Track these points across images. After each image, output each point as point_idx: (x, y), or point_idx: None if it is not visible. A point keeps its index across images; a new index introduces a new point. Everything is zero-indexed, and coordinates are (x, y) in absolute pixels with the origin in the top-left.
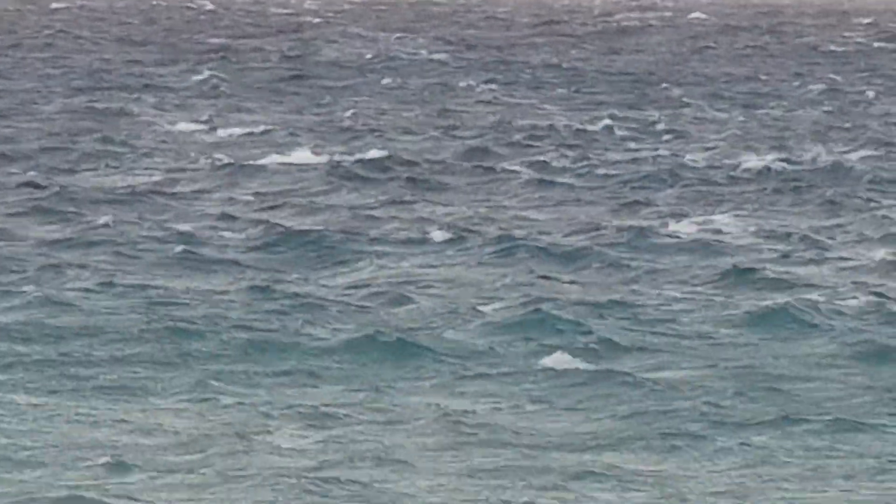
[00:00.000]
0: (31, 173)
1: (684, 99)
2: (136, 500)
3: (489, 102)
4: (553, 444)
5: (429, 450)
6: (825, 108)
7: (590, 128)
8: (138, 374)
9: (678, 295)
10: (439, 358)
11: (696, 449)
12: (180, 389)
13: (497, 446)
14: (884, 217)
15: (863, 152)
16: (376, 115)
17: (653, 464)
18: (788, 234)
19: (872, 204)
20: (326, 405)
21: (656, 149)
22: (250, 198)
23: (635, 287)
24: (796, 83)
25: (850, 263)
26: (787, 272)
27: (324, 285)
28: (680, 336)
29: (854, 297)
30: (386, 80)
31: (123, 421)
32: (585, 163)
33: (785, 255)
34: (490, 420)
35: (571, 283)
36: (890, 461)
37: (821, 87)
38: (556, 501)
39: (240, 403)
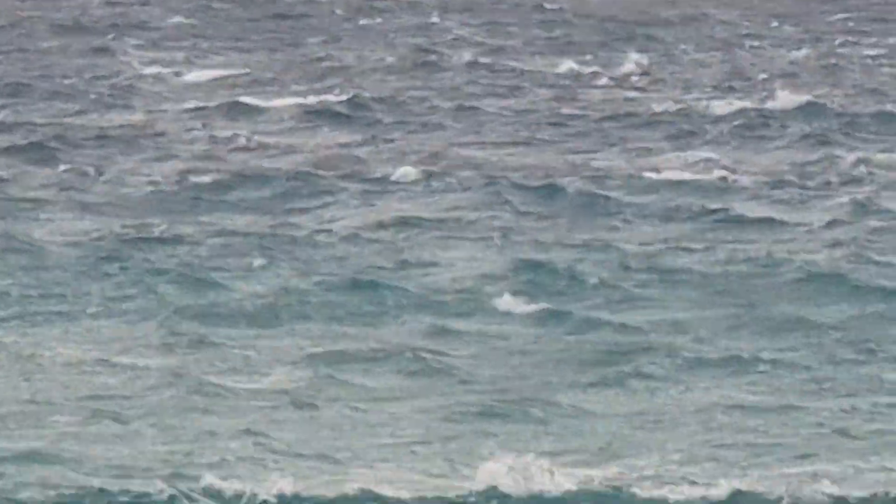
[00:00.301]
0: (4, 112)
1: (666, 40)
2: (109, 443)
3: (469, 43)
4: (526, 385)
5: (404, 391)
6: (804, 50)
7: (569, 69)
8: (109, 315)
9: (655, 234)
10: (416, 298)
11: (670, 388)
12: (153, 330)
13: (473, 388)
14: (859, 158)
15: (840, 93)
16: (354, 54)
17: (625, 405)
18: (765, 174)
19: (848, 144)
20: (301, 346)
21: (635, 90)
22: (227, 138)
23: (612, 226)
24: (775, 24)
25: (826, 203)
26: (763, 211)
27: (299, 225)
28: (656, 275)
29: (829, 237)
30: (364, 21)
31: (95, 361)
32: (564, 104)
33: (762, 195)
34: (465, 362)
35: (547, 221)
36: (864, 404)
37: (800, 28)
38: (526, 443)
39: (214, 344)
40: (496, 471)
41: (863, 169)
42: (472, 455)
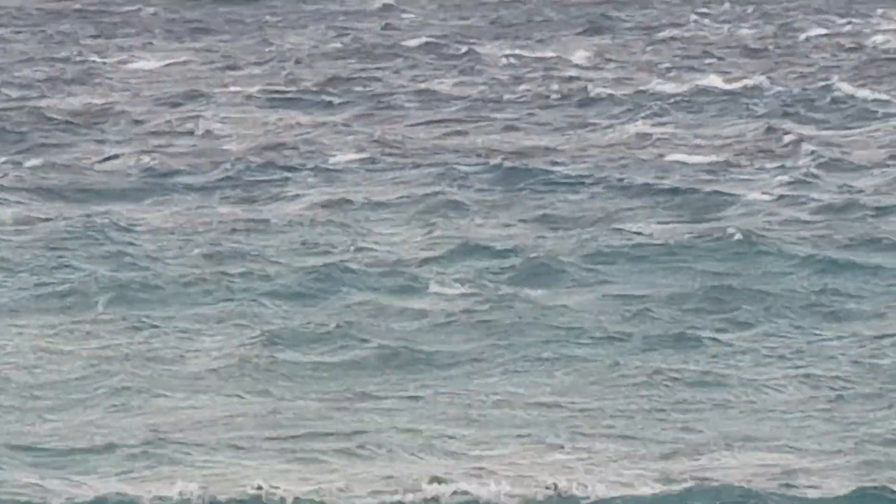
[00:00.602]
0: None
1: (621, 19)
2: (63, 437)
3: (423, 27)
4: (470, 369)
5: (348, 374)
6: (754, 29)
7: (522, 51)
8: (58, 301)
9: (602, 212)
10: (364, 279)
11: (620, 369)
12: (104, 316)
13: (424, 368)
14: (805, 135)
15: (788, 72)
16: (308, 38)
17: (576, 389)
18: (713, 150)
19: (795, 121)
20: (250, 328)
21: (587, 70)
22: (181, 123)
23: (560, 204)
24: (727, 4)
25: (773, 178)
26: (711, 187)
27: (250, 208)
28: (601, 251)
29: (776, 212)
30: (319, 5)
31: (44, 350)
32: (515, 85)
33: (709, 171)
34: (407, 343)
35: (495, 201)
36: (816, 382)
37: (752, 7)
38: (466, 423)
39: (163, 329)
40: (450, 472)
41: (808, 145)
42: (420, 450)
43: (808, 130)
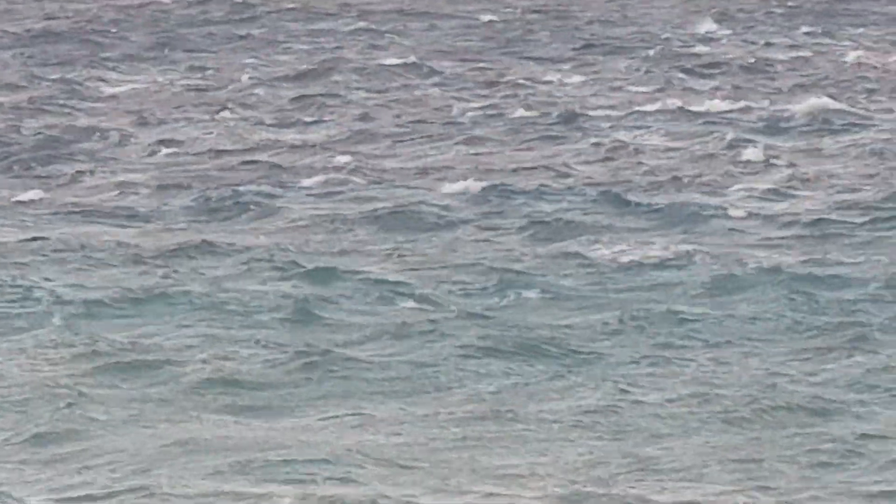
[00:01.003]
0: None
1: (611, 44)
2: (44, 461)
3: (417, 45)
4: (448, 386)
5: (335, 387)
6: (736, 49)
7: (511, 73)
8: (40, 317)
9: (584, 231)
10: (343, 302)
11: (573, 388)
12: (91, 338)
13: (402, 385)
14: (773, 153)
15: (767, 90)
16: (296, 59)
17: (531, 402)
18: (699, 166)
19: (774, 138)
20: (222, 352)
21: (579, 90)
22: (150, 149)
23: (545, 225)
24: (713, 24)
25: (755, 195)
26: (680, 206)
27: (219, 233)
28: (567, 271)
29: (756, 227)
30: (298, 25)
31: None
32: (501, 105)
33: (695, 186)
34: (395, 362)
35: (481, 221)
36: (786, 408)
37: (734, 27)
38: (448, 445)
39: (158, 353)
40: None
41: (783, 161)
42: (394, 472)
43: (783, 147)
